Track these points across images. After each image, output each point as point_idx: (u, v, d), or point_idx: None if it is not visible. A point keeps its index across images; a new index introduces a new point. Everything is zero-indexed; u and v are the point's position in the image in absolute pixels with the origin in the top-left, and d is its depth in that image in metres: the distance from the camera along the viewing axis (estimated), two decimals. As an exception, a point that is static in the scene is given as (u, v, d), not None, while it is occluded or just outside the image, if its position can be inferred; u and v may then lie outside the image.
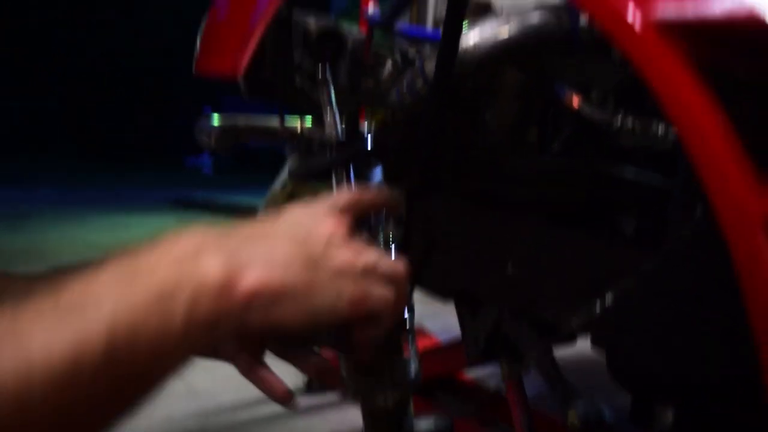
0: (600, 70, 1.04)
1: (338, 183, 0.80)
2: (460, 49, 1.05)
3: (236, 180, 10.82)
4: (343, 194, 0.69)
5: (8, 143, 16.02)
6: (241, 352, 0.77)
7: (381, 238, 0.85)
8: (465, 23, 1.06)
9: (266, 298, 0.53)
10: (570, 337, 1.18)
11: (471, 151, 1.14)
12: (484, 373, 2.32)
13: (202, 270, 0.52)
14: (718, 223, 0.42)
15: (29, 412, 0.44)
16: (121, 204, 9.33)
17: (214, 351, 0.77)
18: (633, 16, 0.41)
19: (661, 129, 1.00)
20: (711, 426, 0.83)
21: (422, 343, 2.18)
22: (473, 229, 1.14)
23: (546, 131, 1.14)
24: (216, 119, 1.18)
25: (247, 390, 0.80)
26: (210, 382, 2.34)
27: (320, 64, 0.95)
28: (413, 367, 0.80)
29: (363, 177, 0.84)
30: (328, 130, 0.79)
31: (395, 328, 0.78)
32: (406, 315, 0.86)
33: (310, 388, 2.34)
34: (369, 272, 0.60)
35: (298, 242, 0.58)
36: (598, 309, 0.83)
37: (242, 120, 1.30)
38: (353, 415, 1.97)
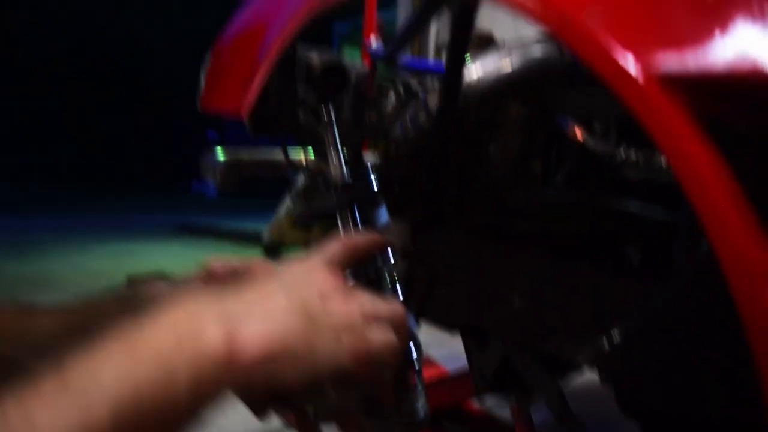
0: (602, 103, 1.04)
1: (343, 225, 0.80)
2: (463, 83, 1.05)
3: (240, 204, 10.83)
4: (335, 245, 0.69)
5: (13, 173, 16.08)
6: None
7: (386, 276, 0.85)
8: (468, 57, 1.07)
9: (268, 361, 0.54)
10: (577, 369, 1.18)
11: (474, 184, 1.14)
12: (491, 403, 2.30)
13: (204, 340, 0.52)
14: (721, 271, 0.42)
15: None
16: (124, 230, 9.34)
17: None
18: (635, 68, 0.42)
19: (664, 161, 1.00)
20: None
21: (429, 373, 2.17)
22: (477, 262, 1.13)
23: (549, 164, 1.14)
24: (220, 154, 1.18)
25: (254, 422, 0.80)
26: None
27: (324, 106, 0.96)
28: (421, 405, 0.79)
29: (368, 218, 0.84)
30: (334, 171, 0.79)
31: (401, 368, 0.78)
32: (414, 352, 0.86)
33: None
34: (367, 320, 0.61)
35: (295, 301, 0.59)
36: (604, 345, 0.83)
37: (246, 154, 1.30)
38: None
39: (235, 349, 0.52)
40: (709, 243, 0.61)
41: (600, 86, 1.01)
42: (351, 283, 0.67)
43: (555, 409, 1.08)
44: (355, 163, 1.09)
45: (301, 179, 1.36)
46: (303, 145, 1.17)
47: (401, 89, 1.22)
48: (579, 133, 1.07)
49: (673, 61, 0.41)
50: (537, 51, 1.06)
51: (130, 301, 0.90)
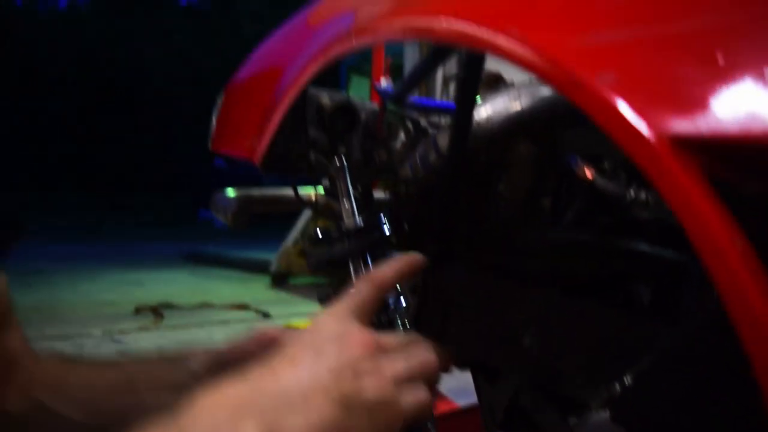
0: (611, 142, 1.04)
1: (356, 271, 0.81)
2: (473, 122, 1.06)
3: (248, 233, 10.86)
4: (364, 288, 0.70)
5: (20, 203, 16.16)
6: None
7: (399, 312, 0.85)
8: (477, 97, 1.08)
9: None
10: (588, 409, 1.17)
11: (484, 223, 1.14)
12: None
13: None
14: (737, 331, 0.42)
15: None
16: (133, 259, 9.35)
17: None
18: (646, 129, 0.42)
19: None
20: None
21: (438, 407, 2.16)
22: (487, 300, 1.13)
23: (559, 202, 1.15)
24: (231, 194, 1.19)
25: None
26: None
27: (335, 148, 0.97)
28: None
29: (379, 261, 0.85)
30: (345, 216, 0.80)
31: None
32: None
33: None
34: (401, 384, 0.62)
35: (330, 388, 0.59)
36: (615, 387, 0.83)
37: (256, 191, 1.31)
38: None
39: None
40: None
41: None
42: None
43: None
44: (366, 203, 1.10)
45: (310, 217, 1.36)
46: (313, 183, 1.18)
47: (411, 128, 1.23)
48: (588, 172, 1.08)
49: (685, 122, 0.42)
50: (546, 90, 1.07)
51: (169, 371, 0.90)
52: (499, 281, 1.13)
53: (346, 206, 0.80)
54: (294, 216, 7.69)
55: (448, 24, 0.57)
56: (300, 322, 5.27)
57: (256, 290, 7.34)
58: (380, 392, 0.61)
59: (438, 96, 4.83)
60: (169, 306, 5.92)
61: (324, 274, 1.03)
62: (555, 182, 1.14)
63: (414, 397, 0.63)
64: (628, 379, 0.83)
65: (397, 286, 0.89)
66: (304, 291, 7.07)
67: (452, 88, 4.82)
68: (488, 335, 1.13)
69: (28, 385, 0.93)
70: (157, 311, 5.71)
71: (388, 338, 0.67)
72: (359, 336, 0.64)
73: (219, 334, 5.11)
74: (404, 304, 0.86)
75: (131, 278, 7.71)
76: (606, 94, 0.44)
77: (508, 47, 0.51)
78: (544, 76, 0.50)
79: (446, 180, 1.08)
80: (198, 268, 9.04)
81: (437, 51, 0.92)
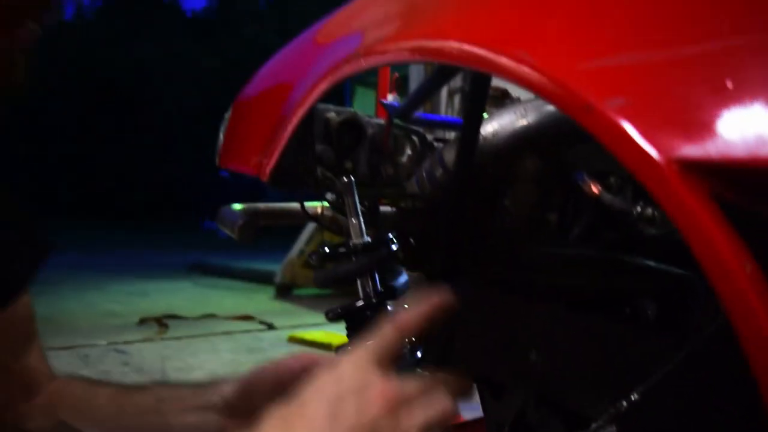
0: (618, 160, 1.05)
1: (363, 288, 0.81)
2: (479, 137, 1.07)
3: (252, 244, 10.86)
4: (389, 334, 0.69)
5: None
6: None
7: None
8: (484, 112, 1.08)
9: None
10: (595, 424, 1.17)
11: (490, 238, 1.14)
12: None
13: None
14: (744, 350, 0.42)
15: None
16: (138, 269, 9.37)
17: None
18: (654, 152, 0.42)
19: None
20: None
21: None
22: (493, 315, 1.14)
23: (565, 218, 1.15)
24: (237, 209, 1.20)
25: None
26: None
27: (341, 164, 0.97)
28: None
29: (388, 279, 0.85)
30: (353, 234, 0.80)
31: None
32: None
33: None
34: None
35: None
36: (622, 404, 0.83)
37: (262, 205, 1.31)
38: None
39: None
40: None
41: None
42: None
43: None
44: (373, 218, 1.10)
45: (315, 229, 1.37)
46: (320, 199, 1.19)
47: (417, 143, 1.24)
48: (595, 187, 1.08)
49: (693, 145, 0.42)
50: (553, 106, 1.07)
51: (197, 394, 0.91)
52: (505, 296, 1.13)
53: (354, 222, 0.80)
54: (299, 227, 7.70)
55: (458, 46, 0.58)
56: (304, 333, 5.27)
57: (261, 301, 7.34)
58: None
59: (443, 109, 4.84)
60: (174, 317, 5.93)
61: (329, 287, 1.03)
62: (561, 197, 1.15)
63: None
64: (634, 395, 0.83)
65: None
66: (308, 302, 7.08)
67: (457, 101, 4.83)
68: (494, 350, 1.13)
69: (52, 404, 0.94)
70: (162, 322, 5.71)
71: (409, 385, 0.66)
72: (380, 388, 0.62)
73: (223, 345, 5.11)
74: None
75: (136, 289, 7.73)
76: (614, 117, 0.44)
77: (516, 70, 0.51)
78: (552, 100, 0.50)
79: (452, 195, 1.08)
80: (202, 278, 9.05)
81: (443, 68, 0.93)
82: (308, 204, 1.26)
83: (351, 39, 0.86)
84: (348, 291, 0.84)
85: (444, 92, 4.69)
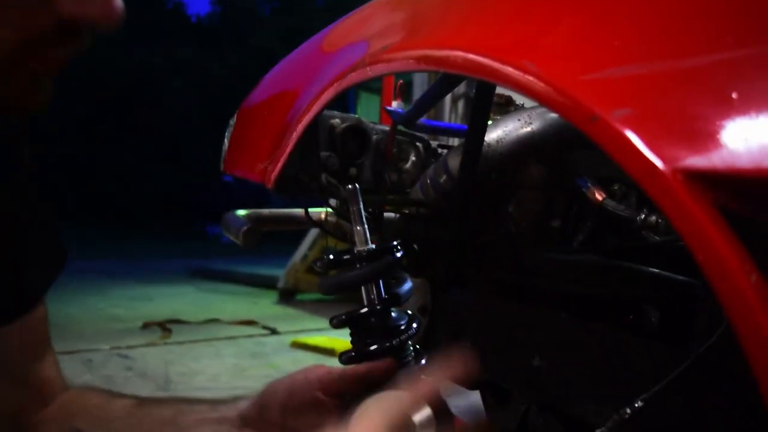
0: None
1: (368, 295, 0.81)
2: (484, 144, 1.07)
3: (255, 249, 10.86)
4: (400, 401, 0.68)
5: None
6: None
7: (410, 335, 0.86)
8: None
9: None
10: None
11: (494, 245, 1.15)
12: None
13: None
14: (747, 360, 0.42)
15: None
16: (141, 274, 9.37)
17: None
18: (659, 163, 0.43)
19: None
20: None
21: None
22: (497, 320, 1.14)
23: (569, 224, 1.15)
24: (241, 215, 1.20)
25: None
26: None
27: (346, 171, 0.97)
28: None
29: (392, 285, 0.85)
30: (358, 241, 0.80)
31: None
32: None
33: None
34: None
35: None
36: (625, 411, 0.83)
37: (266, 211, 1.32)
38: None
39: None
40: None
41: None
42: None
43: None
44: (377, 225, 1.11)
45: (318, 234, 1.37)
46: (324, 205, 1.19)
47: (421, 149, 1.24)
48: (599, 194, 1.08)
49: (698, 156, 0.42)
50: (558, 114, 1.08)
51: (215, 409, 0.92)
52: (509, 303, 1.13)
53: (359, 229, 0.80)
54: (302, 232, 7.70)
55: (464, 56, 0.58)
56: (307, 338, 5.27)
57: (264, 306, 7.34)
58: None
59: (447, 115, 4.84)
60: (177, 321, 5.93)
61: (334, 294, 1.03)
62: (565, 204, 1.15)
63: None
64: (638, 402, 0.83)
65: (407, 310, 0.90)
66: (311, 307, 7.07)
67: (461, 107, 4.84)
68: (497, 356, 1.13)
69: (67, 413, 0.95)
70: (165, 327, 5.71)
71: None
72: None
73: (226, 349, 5.11)
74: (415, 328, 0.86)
75: (139, 293, 7.73)
76: (619, 127, 0.45)
77: (521, 80, 0.52)
78: (558, 109, 0.50)
79: (457, 202, 1.08)
80: (205, 283, 9.05)
81: (448, 77, 0.93)
82: (312, 210, 1.26)
83: (356, 47, 0.86)
84: (351, 297, 0.84)
85: (448, 98, 4.69)
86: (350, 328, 0.86)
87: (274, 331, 5.79)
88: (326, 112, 1.09)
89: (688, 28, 0.50)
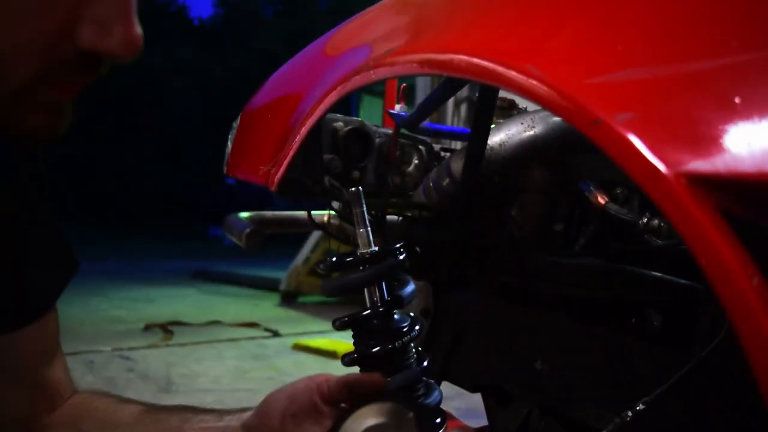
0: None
1: (371, 298, 0.82)
2: (487, 147, 1.07)
3: (257, 251, 10.84)
4: None
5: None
6: None
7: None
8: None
9: None
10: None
11: (497, 248, 1.15)
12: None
13: None
14: (750, 364, 0.43)
15: None
16: (142, 276, 9.37)
17: None
18: (662, 167, 0.43)
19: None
20: None
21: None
22: (499, 323, 1.14)
23: (572, 228, 1.15)
24: (244, 217, 1.20)
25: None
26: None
27: (349, 174, 0.98)
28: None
29: (395, 288, 0.85)
30: (361, 244, 0.80)
31: None
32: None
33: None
34: None
35: None
36: (627, 414, 0.83)
37: (269, 213, 1.32)
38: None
39: None
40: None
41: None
42: None
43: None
44: (380, 227, 1.11)
45: (321, 236, 1.38)
46: (327, 208, 1.19)
47: (424, 152, 1.24)
48: (601, 197, 1.08)
49: (701, 160, 0.42)
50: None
51: (220, 417, 0.93)
52: (511, 306, 1.13)
53: (362, 232, 0.81)
54: (304, 235, 7.70)
55: (467, 60, 0.58)
56: (309, 341, 5.27)
57: (266, 308, 7.34)
58: None
59: (449, 118, 4.84)
60: (179, 323, 5.93)
61: (337, 296, 1.03)
62: (568, 208, 1.15)
63: None
64: (639, 405, 0.83)
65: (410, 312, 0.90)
66: (313, 309, 7.08)
67: (464, 110, 4.84)
68: (500, 359, 1.13)
69: (76, 416, 0.95)
70: (167, 328, 5.72)
71: None
72: None
73: (228, 351, 5.11)
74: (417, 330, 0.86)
75: (141, 295, 7.73)
76: (622, 131, 0.45)
77: (525, 84, 0.52)
78: (561, 113, 0.51)
79: (459, 205, 1.09)
80: (207, 285, 9.05)
81: (451, 80, 0.94)
82: (315, 213, 1.27)
83: (360, 51, 0.87)
84: (354, 299, 0.85)
85: (450, 101, 4.70)
86: (353, 331, 0.86)
87: (276, 334, 5.79)
88: (329, 115, 1.09)
89: (692, 33, 0.50)
